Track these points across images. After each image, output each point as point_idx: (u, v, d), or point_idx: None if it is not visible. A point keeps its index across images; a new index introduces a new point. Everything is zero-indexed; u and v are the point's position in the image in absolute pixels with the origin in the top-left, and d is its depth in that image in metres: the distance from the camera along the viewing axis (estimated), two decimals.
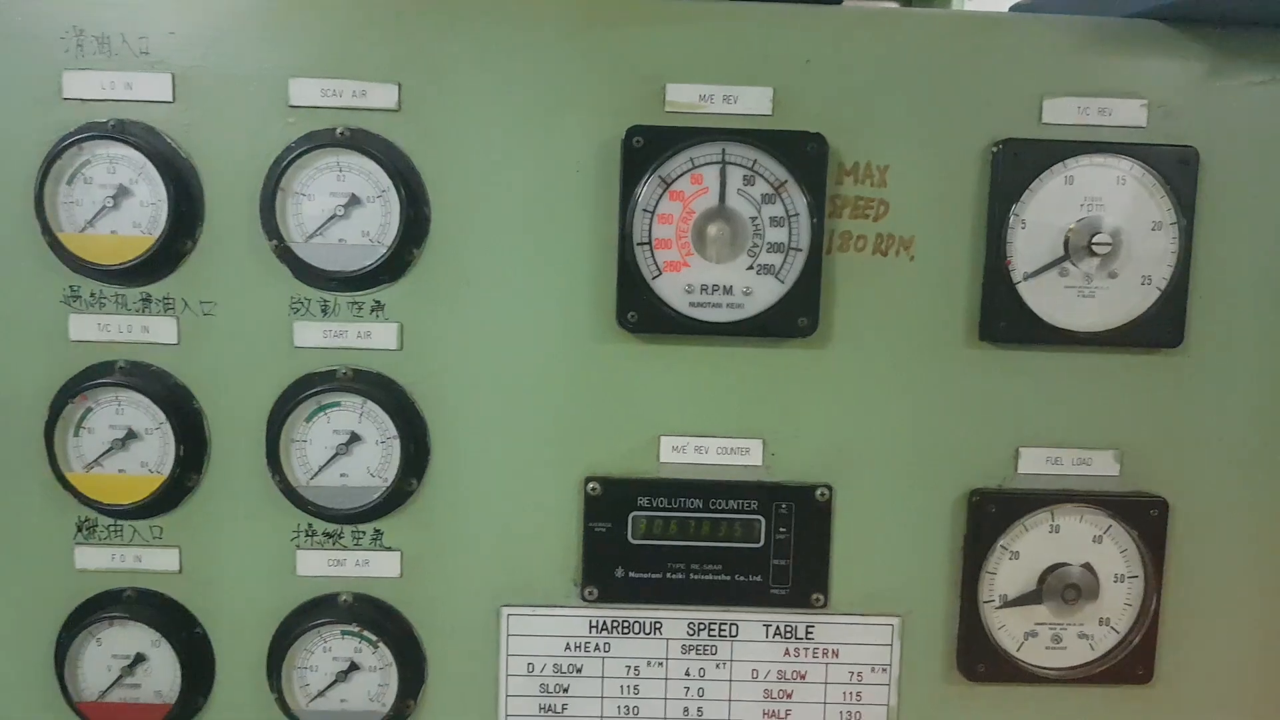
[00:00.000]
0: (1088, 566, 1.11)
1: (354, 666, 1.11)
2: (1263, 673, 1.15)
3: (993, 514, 1.10)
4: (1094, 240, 1.04)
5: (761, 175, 1.03)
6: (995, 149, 1.06)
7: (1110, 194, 1.05)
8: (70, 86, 1.03)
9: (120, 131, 1.03)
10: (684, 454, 1.10)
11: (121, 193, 1.03)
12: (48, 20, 1.03)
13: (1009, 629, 1.13)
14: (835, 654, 1.13)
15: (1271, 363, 1.10)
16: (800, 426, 1.10)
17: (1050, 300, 1.06)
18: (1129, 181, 1.05)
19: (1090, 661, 1.13)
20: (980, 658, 1.12)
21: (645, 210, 1.04)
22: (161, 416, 1.06)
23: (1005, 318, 1.07)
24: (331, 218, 1.04)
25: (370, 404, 1.07)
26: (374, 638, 1.10)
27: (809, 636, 1.13)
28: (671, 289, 1.05)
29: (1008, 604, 1.12)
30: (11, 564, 1.10)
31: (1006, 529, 1.11)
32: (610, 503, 1.10)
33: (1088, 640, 1.13)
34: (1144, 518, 1.10)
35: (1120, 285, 1.07)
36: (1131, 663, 1.12)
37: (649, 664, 1.14)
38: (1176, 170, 1.05)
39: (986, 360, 1.09)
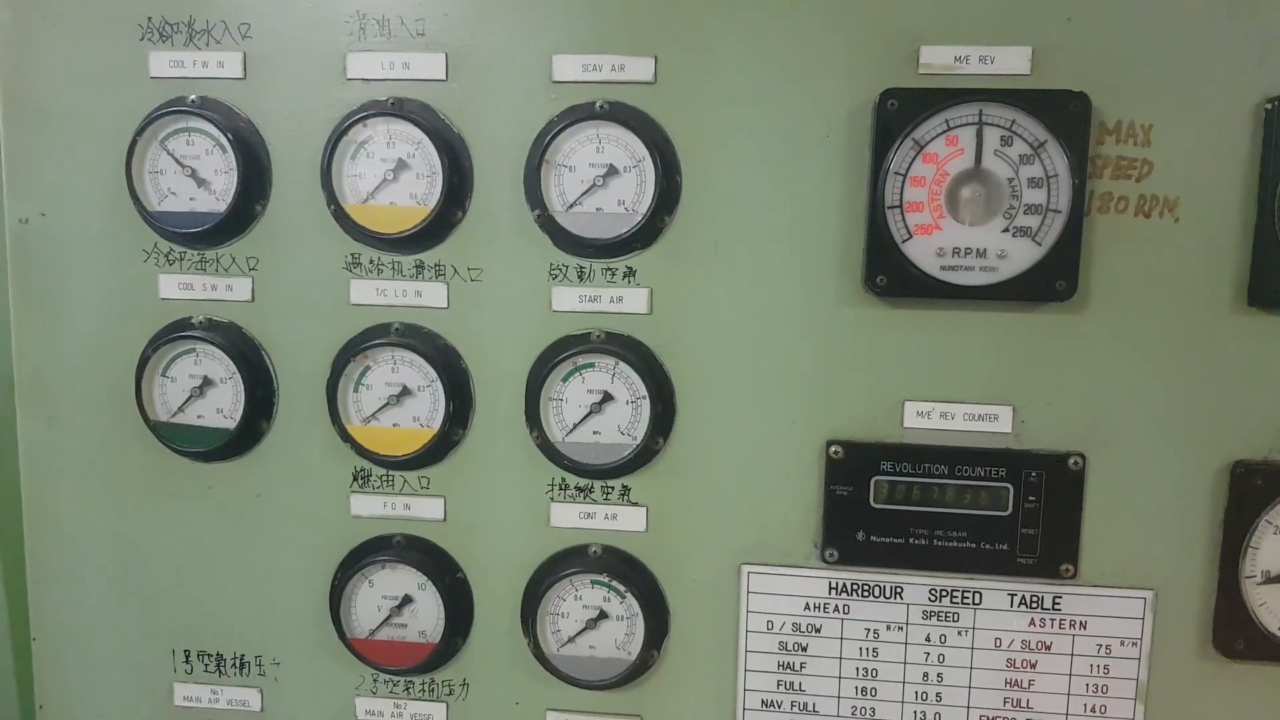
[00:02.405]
0: None
1: (603, 615, 1.16)
2: None
3: (1258, 486, 1.06)
4: None
5: (1020, 136, 1.02)
6: (1269, 106, 1.02)
7: None
8: (354, 67, 1.12)
9: (399, 108, 1.10)
10: (929, 419, 1.10)
11: (400, 166, 1.11)
12: (333, 5, 1.11)
13: (1270, 606, 1.08)
14: (1083, 626, 1.12)
15: None
16: (1053, 393, 1.08)
17: None
18: None
19: None
20: (1239, 635, 1.09)
21: (897, 173, 1.04)
22: (433, 375, 1.13)
23: (1276, 282, 1.03)
24: (590, 188, 1.09)
25: (622, 365, 1.11)
26: (622, 588, 1.15)
27: (1056, 607, 1.12)
28: (922, 252, 1.05)
29: (1270, 580, 1.08)
30: (296, 510, 1.20)
31: (1272, 503, 1.06)
32: (852, 466, 1.12)
33: None
34: None
35: None
36: None
37: (889, 628, 1.15)
38: None
39: (1255, 327, 1.05)
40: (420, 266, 1.14)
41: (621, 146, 1.08)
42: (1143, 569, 1.10)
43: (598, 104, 1.08)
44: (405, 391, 1.14)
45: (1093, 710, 1.13)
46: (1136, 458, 1.08)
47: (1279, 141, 1.01)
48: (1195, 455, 1.07)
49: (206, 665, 1.25)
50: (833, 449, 1.12)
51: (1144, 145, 1.04)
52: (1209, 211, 1.04)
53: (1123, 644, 1.11)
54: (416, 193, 1.11)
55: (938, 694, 1.14)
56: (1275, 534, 1.07)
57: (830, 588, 1.15)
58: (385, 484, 1.19)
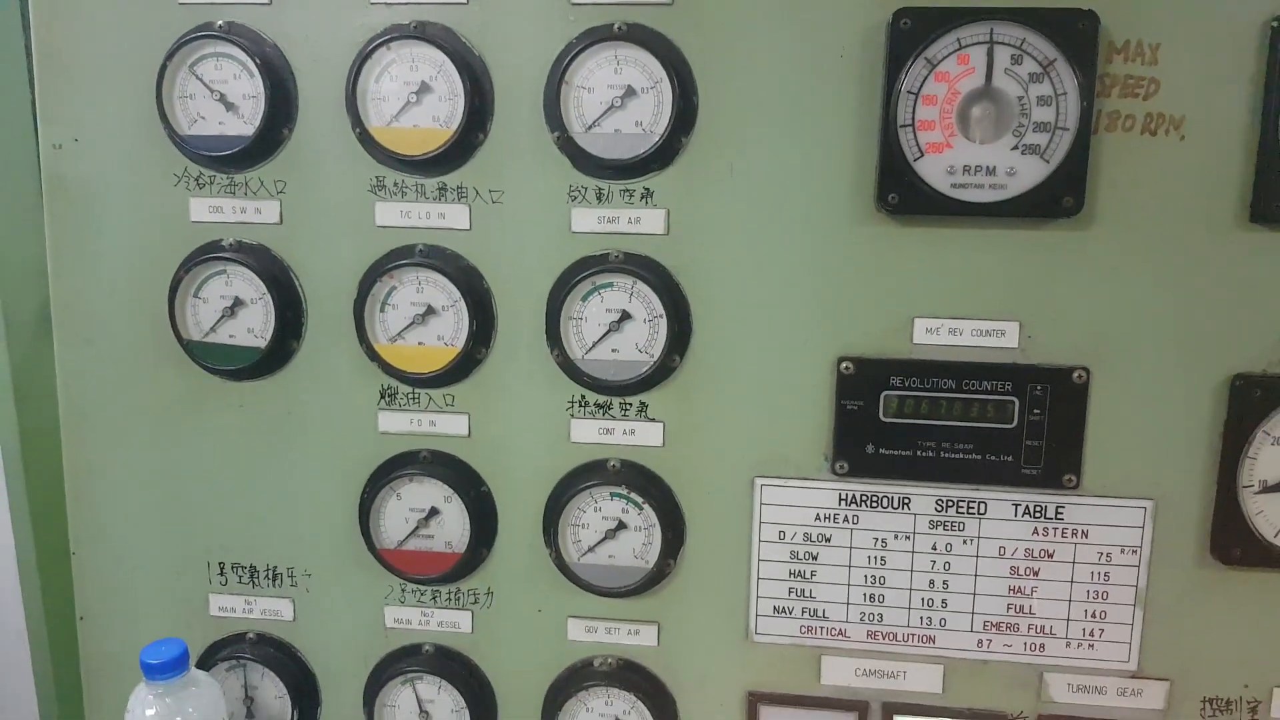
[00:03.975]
0: None
1: (621, 525, 1.21)
2: None
3: (1257, 398, 1.09)
4: None
5: (1030, 54, 1.04)
6: (1276, 24, 1.03)
7: None
8: None
9: (422, 31, 1.13)
10: (938, 335, 1.14)
11: (423, 89, 1.14)
12: None
13: (1267, 515, 1.12)
14: (1085, 535, 1.16)
15: None
16: (1060, 309, 1.11)
17: None
18: None
19: None
20: (1236, 542, 1.12)
21: (909, 92, 1.07)
22: (457, 294, 1.17)
23: (1279, 198, 1.05)
24: (609, 109, 1.12)
25: (640, 284, 1.15)
26: (640, 500, 1.19)
27: (1059, 517, 1.16)
28: (933, 170, 1.08)
29: (1267, 489, 1.11)
30: (326, 427, 1.25)
31: (1270, 414, 1.09)
32: (862, 381, 1.15)
33: None
34: None
35: None
36: None
37: (896, 537, 1.19)
38: None
39: (1258, 242, 1.07)
40: (443, 188, 1.17)
41: (639, 68, 1.11)
42: (1143, 479, 1.13)
43: (616, 26, 1.11)
44: (430, 311, 1.18)
45: (1093, 616, 1.17)
46: (1139, 371, 1.11)
47: None
48: (1196, 369, 1.11)
49: (240, 577, 1.30)
50: (844, 365, 1.15)
51: (1151, 64, 1.06)
52: (1214, 130, 1.06)
53: (1123, 552, 1.15)
54: (439, 115, 1.14)
55: (943, 600, 1.19)
56: (1273, 444, 1.11)
57: (840, 499, 1.19)
58: (411, 401, 1.23)
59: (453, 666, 1.27)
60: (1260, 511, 1.12)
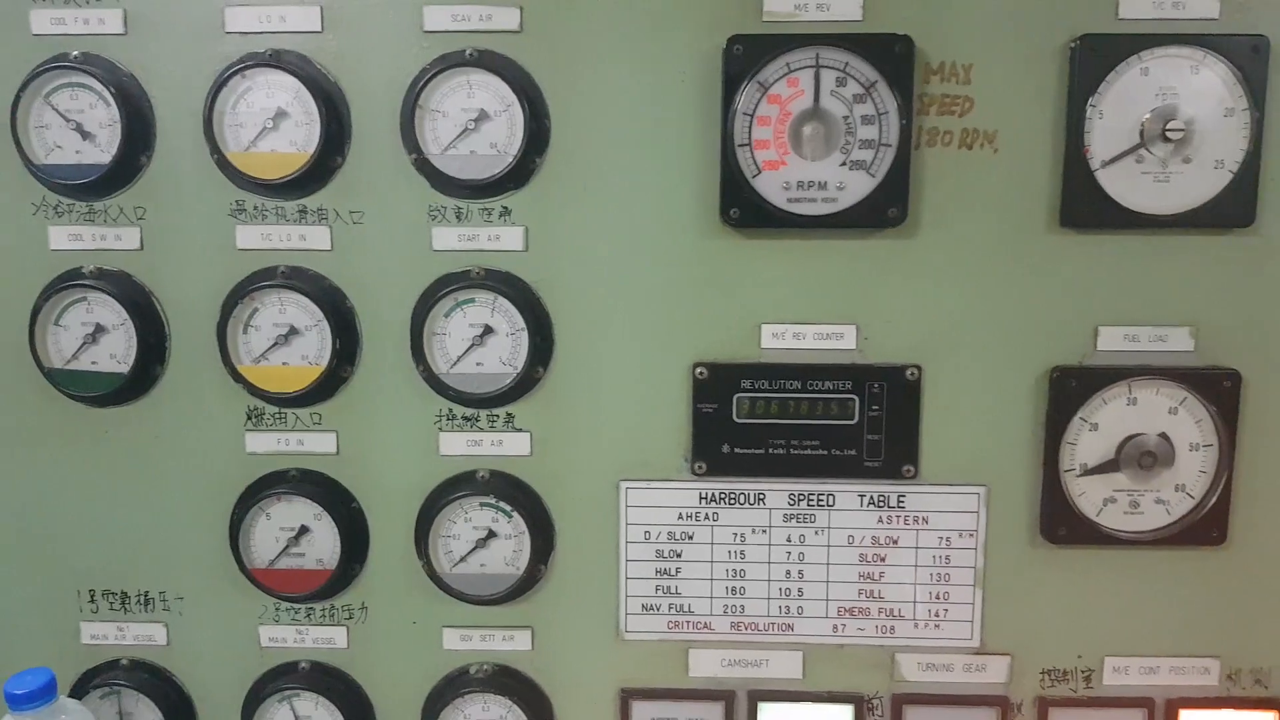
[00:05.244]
0: (1164, 436, 1.19)
1: (491, 534, 1.25)
2: None
3: (1073, 388, 1.19)
4: (1168, 127, 1.11)
5: (853, 77, 1.12)
6: (1074, 44, 1.13)
7: (1184, 83, 1.12)
8: (231, 21, 1.17)
9: (277, 60, 1.16)
10: (783, 340, 1.21)
11: (279, 115, 1.16)
12: None
13: (1089, 496, 1.21)
14: (925, 521, 1.24)
15: None
16: (891, 312, 1.19)
17: (1127, 186, 1.14)
18: (1202, 70, 1.12)
19: (1166, 525, 1.21)
20: (1062, 523, 1.22)
21: (745, 114, 1.14)
22: (319, 314, 1.19)
23: (1084, 204, 1.15)
24: (463, 131, 1.16)
25: (501, 299, 1.19)
26: (509, 508, 1.23)
27: (901, 505, 1.24)
28: (770, 186, 1.15)
29: (1088, 472, 1.21)
30: (193, 450, 1.26)
31: (1086, 402, 1.19)
32: (716, 386, 1.22)
33: (1164, 505, 1.21)
34: (1218, 389, 1.18)
35: (1194, 170, 1.13)
36: (1206, 526, 1.21)
37: (754, 531, 1.25)
38: (1249, 58, 1.11)
39: (1067, 245, 1.17)
40: (304, 211, 1.20)
41: (491, 92, 1.15)
42: (976, 467, 1.22)
43: (467, 52, 1.15)
44: (293, 331, 1.20)
45: (937, 597, 1.25)
46: (967, 367, 1.20)
47: (1083, 77, 1.13)
48: (1019, 363, 1.20)
49: (112, 604, 1.30)
50: (698, 370, 1.21)
51: (965, 83, 1.15)
52: (1024, 143, 1.16)
53: (961, 535, 1.24)
54: (296, 140, 1.17)
55: (799, 589, 1.26)
56: (1090, 430, 1.20)
57: (700, 498, 1.25)
58: (278, 421, 1.25)
59: (329, 682, 1.28)
60: (1082, 493, 1.22)
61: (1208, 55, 1.11)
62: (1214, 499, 1.20)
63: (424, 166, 1.17)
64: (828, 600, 1.26)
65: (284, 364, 1.21)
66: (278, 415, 1.25)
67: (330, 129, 1.16)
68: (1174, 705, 1.25)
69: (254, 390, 1.22)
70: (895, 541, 1.24)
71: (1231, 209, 1.14)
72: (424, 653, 1.28)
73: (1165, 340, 1.18)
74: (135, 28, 1.18)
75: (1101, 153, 1.13)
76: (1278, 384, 1.19)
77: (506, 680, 1.28)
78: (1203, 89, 1.12)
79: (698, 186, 1.18)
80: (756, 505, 1.24)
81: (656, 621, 1.27)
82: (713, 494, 1.24)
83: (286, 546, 1.25)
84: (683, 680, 1.28)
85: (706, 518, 1.25)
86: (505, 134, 1.16)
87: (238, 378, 1.22)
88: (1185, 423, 1.19)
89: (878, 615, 1.26)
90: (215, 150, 1.17)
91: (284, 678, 1.29)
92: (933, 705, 1.26)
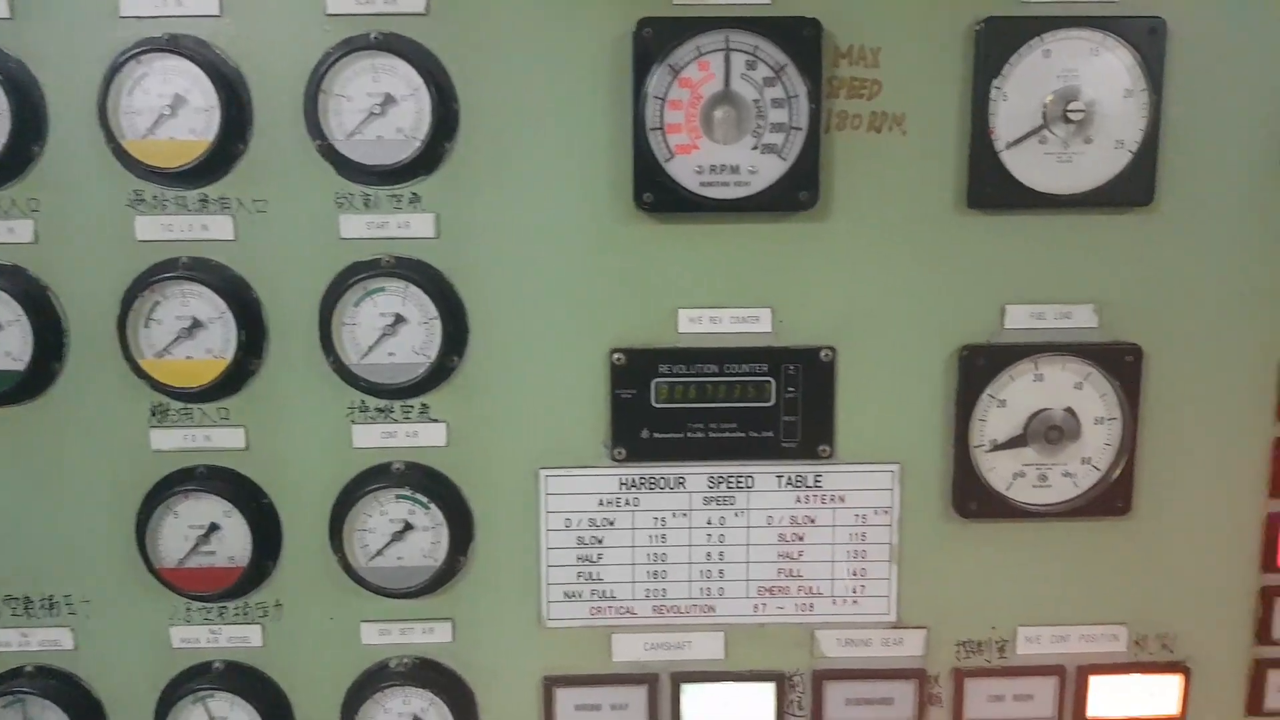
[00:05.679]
0: (1070, 410, 1.22)
1: (408, 527, 1.23)
2: (1229, 506, 1.26)
3: (981, 366, 1.21)
4: (1069, 109, 1.13)
5: (763, 60, 1.12)
6: (978, 27, 1.15)
7: (1085, 65, 1.14)
8: (126, 4, 1.12)
9: (174, 45, 1.12)
10: (700, 324, 1.21)
11: (177, 101, 1.13)
12: None
13: (998, 470, 1.24)
14: (842, 499, 1.25)
15: (1234, 219, 1.20)
16: (805, 294, 1.20)
17: (1031, 166, 1.16)
18: (1102, 53, 1.14)
19: (1074, 497, 1.25)
20: (973, 497, 1.24)
21: (656, 97, 1.13)
22: (223, 306, 1.16)
23: (990, 185, 1.17)
24: (369, 116, 1.14)
25: (412, 288, 1.17)
26: (425, 500, 1.21)
27: (817, 485, 1.25)
28: (683, 170, 1.15)
29: (997, 447, 1.23)
30: (94, 448, 1.22)
31: (994, 379, 1.21)
32: (634, 371, 1.21)
33: (1071, 478, 1.24)
34: (1121, 364, 1.21)
35: (1095, 150, 1.16)
36: (1111, 497, 1.24)
37: (674, 515, 1.26)
38: (1146, 40, 1.14)
39: (974, 225, 1.19)
40: (205, 200, 1.16)
41: (397, 76, 1.13)
42: (889, 445, 1.24)
43: (372, 35, 1.13)
44: (196, 324, 1.17)
45: (854, 574, 1.27)
46: (879, 347, 1.21)
47: (987, 59, 1.15)
48: (929, 342, 1.22)
49: (14, 609, 1.25)
50: (615, 356, 1.21)
51: (873, 67, 1.16)
52: (932, 125, 1.17)
53: (876, 513, 1.26)
54: (196, 127, 1.13)
55: (720, 570, 1.26)
56: (998, 407, 1.23)
57: (621, 483, 1.24)
58: (184, 417, 1.21)
59: (245, 682, 1.26)
60: (992, 468, 1.24)
61: (1107, 37, 1.13)
62: (1119, 471, 1.23)
63: (329, 153, 1.14)
64: (748, 580, 1.27)
65: (188, 358, 1.18)
66: (183, 411, 1.21)
67: (231, 115, 1.12)
68: (1085, 672, 1.29)
69: (157, 386, 1.18)
70: (813, 520, 1.26)
71: (1132, 188, 1.17)
72: (342, 648, 1.26)
73: (1070, 317, 1.21)
74: (22, 11, 1.13)
75: (1006, 134, 1.15)
76: (1178, 357, 1.22)
77: (428, 673, 1.26)
78: (1103, 71, 1.14)
79: (610, 171, 1.17)
80: (677, 489, 1.25)
81: (579, 609, 1.27)
82: (633, 479, 1.24)
83: (196, 545, 1.22)
84: (607, 666, 1.28)
85: (627, 503, 1.25)
86: (413, 119, 1.14)
87: (140, 373, 1.18)
88: (1090, 397, 1.22)
89: (797, 594, 1.27)
90: (111, 139, 1.13)
91: (197, 679, 1.26)
92: (852, 680, 1.28)
